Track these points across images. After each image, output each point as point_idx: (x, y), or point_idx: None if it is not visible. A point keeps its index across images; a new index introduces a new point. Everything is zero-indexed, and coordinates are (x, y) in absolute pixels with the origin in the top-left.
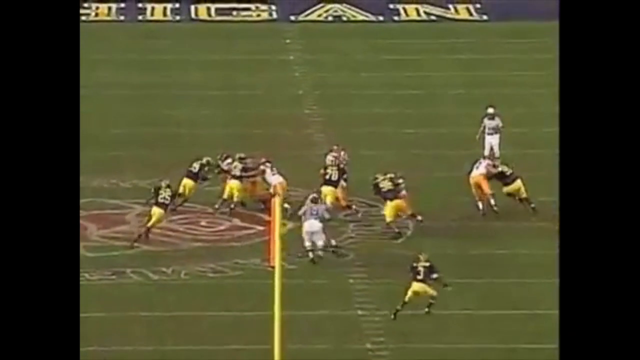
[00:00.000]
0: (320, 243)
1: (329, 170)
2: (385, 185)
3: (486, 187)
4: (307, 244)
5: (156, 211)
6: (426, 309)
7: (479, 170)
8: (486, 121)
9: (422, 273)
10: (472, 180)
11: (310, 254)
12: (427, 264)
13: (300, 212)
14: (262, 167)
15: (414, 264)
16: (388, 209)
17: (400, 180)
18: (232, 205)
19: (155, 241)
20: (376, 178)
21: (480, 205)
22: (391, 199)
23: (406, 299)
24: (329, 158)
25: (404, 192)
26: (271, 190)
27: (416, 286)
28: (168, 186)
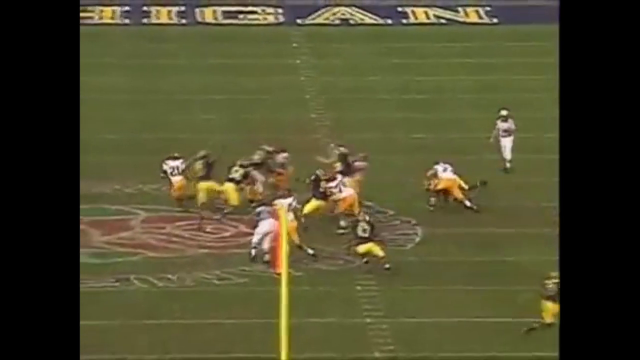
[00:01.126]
0: (266, 246)
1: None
2: (322, 185)
3: (458, 193)
4: (255, 239)
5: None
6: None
7: (452, 175)
8: (499, 123)
9: (548, 290)
10: (444, 183)
11: (254, 251)
12: (555, 281)
13: (258, 210)
14: (252, 174)
15: (545, 281)
16: (310, 206)
17: (333, 183)
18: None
19: (160, 247)
20: (318, 177)
21: (469, 204)
22: (317, 198)
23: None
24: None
25: (340, 194)
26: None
27: (544, 304)
28: (203, 156)
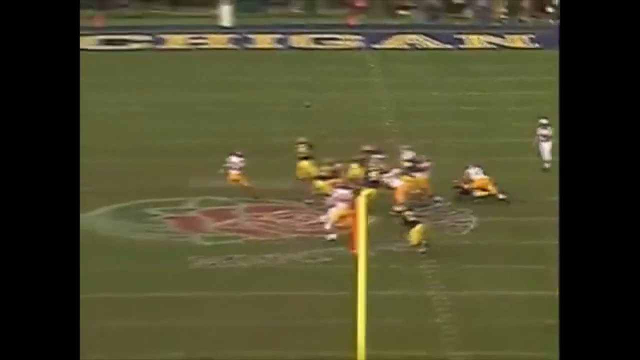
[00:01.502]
0: (332, 226)
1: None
2: (373, 176)
3: (492, 188)
4: (328, 226)
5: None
6: None
7: (484, 175)
8: (539, 130)
9: None
10: (478, 183)
11: (328, 236)
12: None
13: (331, 198)
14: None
15: None
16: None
17: (386, 174)
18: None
19: (259, 232)
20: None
21: (502, 196)
22: (368, 186)
23: None
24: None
25: (393, 183)
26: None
27: None
28: (303, 142)
